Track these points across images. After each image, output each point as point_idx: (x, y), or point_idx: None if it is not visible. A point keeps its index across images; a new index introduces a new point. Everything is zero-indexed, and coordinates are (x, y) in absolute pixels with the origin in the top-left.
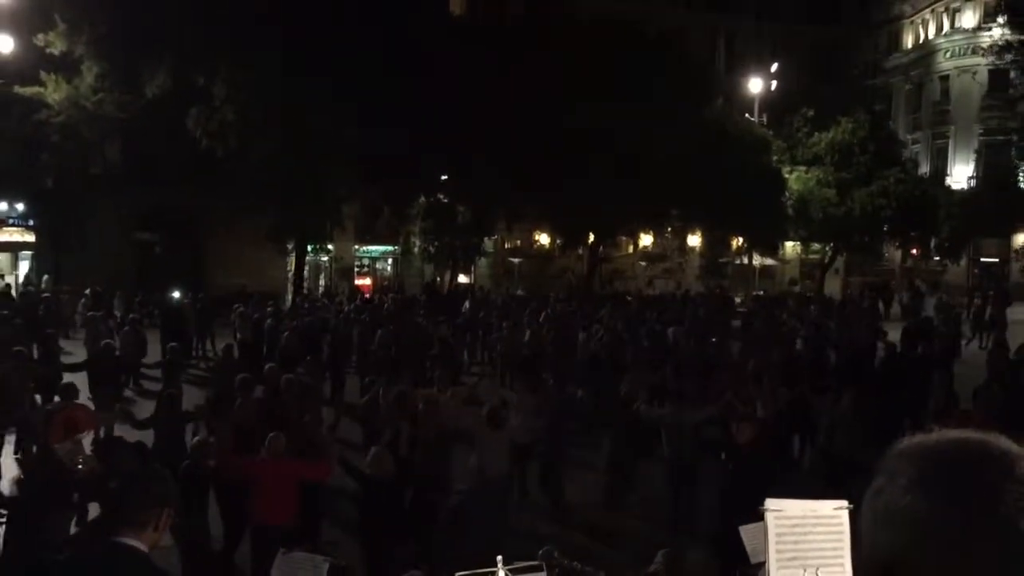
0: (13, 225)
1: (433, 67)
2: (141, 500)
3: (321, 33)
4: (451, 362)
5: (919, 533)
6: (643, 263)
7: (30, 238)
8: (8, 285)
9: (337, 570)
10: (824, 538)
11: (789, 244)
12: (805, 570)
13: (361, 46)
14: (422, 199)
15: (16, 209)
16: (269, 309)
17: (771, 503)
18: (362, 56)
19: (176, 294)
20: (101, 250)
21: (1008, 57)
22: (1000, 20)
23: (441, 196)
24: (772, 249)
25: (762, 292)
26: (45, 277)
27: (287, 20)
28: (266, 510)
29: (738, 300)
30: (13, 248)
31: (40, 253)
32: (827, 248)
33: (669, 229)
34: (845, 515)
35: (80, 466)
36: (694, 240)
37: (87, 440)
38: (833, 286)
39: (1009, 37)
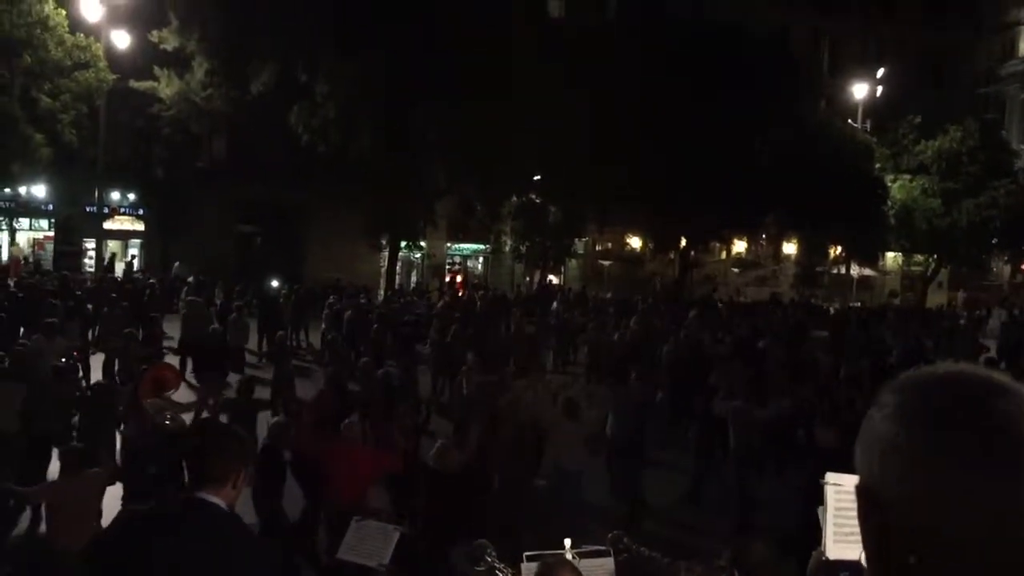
0: (124, 214)
1: (529, 66)
2: (221, 456)
3: (421, 32)
4: (534, 360)
5: (890, 456)
6: (736, 270)
7: (139, 227)
8: (106, 268)
9: (406, 539)
10: None
11: (890, 255)
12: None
13: (459, 47)
14: (514, 199)
15: (128, 198)
16: (363, 300)
17: (832, 477)
18: (460, 56)
19: (274, 284)
20: (205, 240)
21: None
22: None
23: (533, 196)
24: (871, 259)
25: (860, 303)
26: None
27: (388, 19)
28: (338, 492)
29: (832, 311)
30: (124, 236)
31: (148, 241)
32: (930, 260)
33: (764, 236)
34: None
35: (168, 422)
36: (790, 248)
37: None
38: (937, 300)
39: None
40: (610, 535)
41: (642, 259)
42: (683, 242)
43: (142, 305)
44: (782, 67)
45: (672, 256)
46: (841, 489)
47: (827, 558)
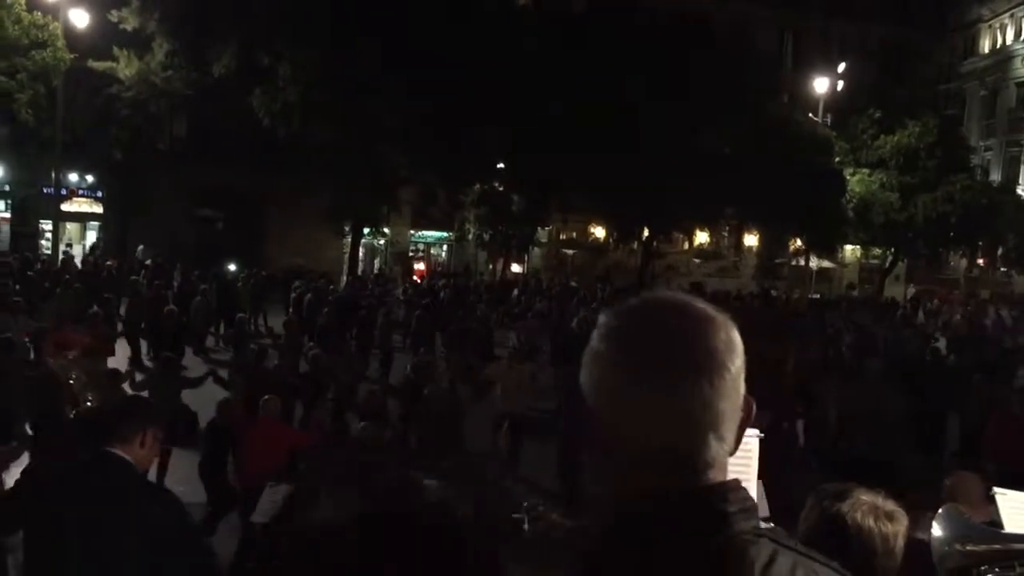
0: (83, 196)
1: (495, 52)
2: (127, 418)
3: (384, 18)
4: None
5: (592, 367)
6: (697, 260)
7: (98, 209)
8: (68, 253)
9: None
10: (732, 464)
11: (848, 247)
12: None
13: (424, 31)
14: (477, 186)
15: (86, 180)
16: (321, 282)
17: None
18: (424, 41)
19: (231, 268)
20: (164, 224)
21: None
22: None
23: (496, 184)
24: (830, 251)
25: (819, 295)
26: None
27: (351, 4)
28: (248, 464)
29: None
30: (82, 218)
31: (107, 224)
32: (888, 253)
33: (727, 227)
34: (755, 443)
35: (72, 380)
36: (751, 239)
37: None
38: (895, 292)
39: None
40: (525, 503)
41: (605, 248)
42: (645, 232)
43: (98, 286)
44: (745, 61)
45: (635, 246)
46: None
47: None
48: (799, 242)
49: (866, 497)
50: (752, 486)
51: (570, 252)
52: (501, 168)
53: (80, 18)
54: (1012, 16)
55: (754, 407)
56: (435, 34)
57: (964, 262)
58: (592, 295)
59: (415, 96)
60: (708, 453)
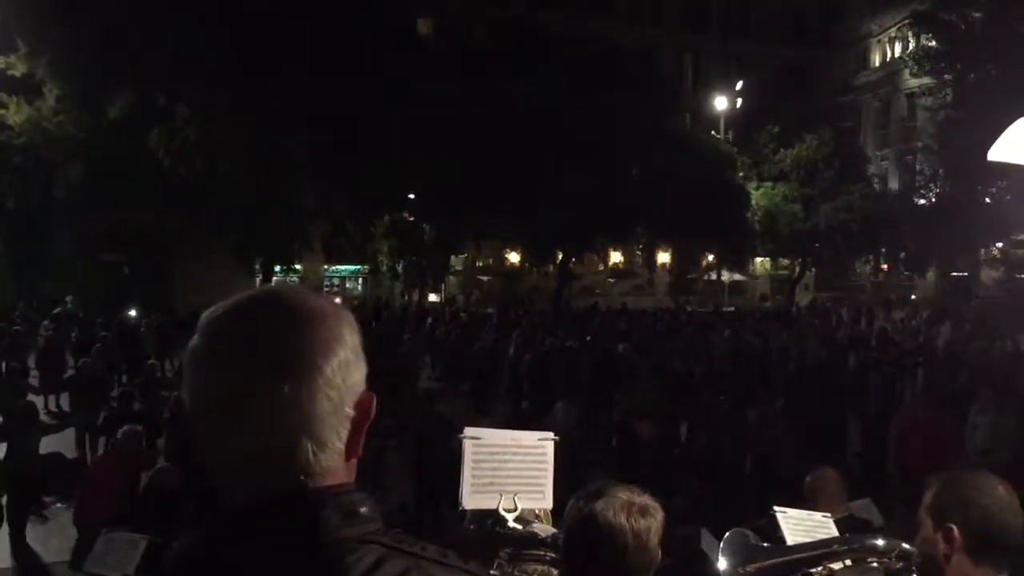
0: None
1: (399, 84)
2: None
3: (284, 53)
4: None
5: (185, 368)
6: (612, 280)
7: None
8: None
9: (155, 547)
10: (524, 467)
11: (759, 260)
12: (502, 495)
13: (327, 65)
14: (386, 217)
15: None
16: None
17: (469, 431)
18: (326, 74)
19: (132, 313)
20: (66, 272)
21: (927, 66)
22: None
23: (406, 214)
24: (740, 265)
25: (732, 308)
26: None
27: (249, 40)
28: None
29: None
30: None
31: (3, 276)
32: (796, 263)
33: (639, 246)
34: (550, 446)
35: None
36: (664, 257)
37: None
38: (804, 301)
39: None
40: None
41: (521, 273)
42: (560, 255)
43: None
44: (648, 82)
45: (551, 269)
46: (480, 443)
47: (463, 508)
48: (711, 257)
49: (621, 494)
50: (547, 489)
51: (486, 278)
52: (411, 198)
53: None
54: (899, 30)
55: (373, 407)
56: (336, 64)
57: (868, 268)
58: (507, 320)
59: (319, 129)
60: (303, 457)
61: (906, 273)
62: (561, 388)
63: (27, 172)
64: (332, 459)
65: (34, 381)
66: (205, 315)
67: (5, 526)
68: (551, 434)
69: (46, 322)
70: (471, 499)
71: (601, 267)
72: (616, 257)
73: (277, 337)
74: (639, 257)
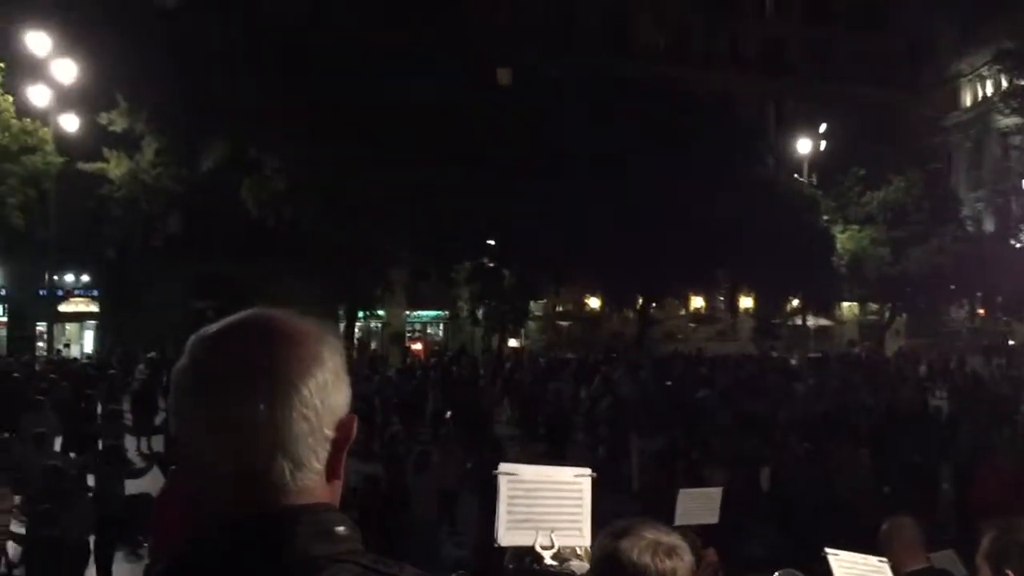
0: (79, 296)
1: (478, 132)
2: None
3: (366, 105)
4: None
5: (172, 387)
6: (693, 325)
7: (94, 308)
8: (60, 351)
9: None
10: (561, 503)
11: (846, 305)
12: (539, 532)
13: (407, 114)
14: (467, 263)
15: (81, 280)
16: None
17: (504, 467)
18: (407, 122)
19: None
20: (159, 319)
21: (1014, 104)
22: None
23: (486, 260)
24: (826, 310)
25: (819, 354)
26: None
27: (332, 93)
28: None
29: (793, 362)
30: (79, 318)
31: (103, 323)
32: (885, 308)
33: (722, 290)
34: (587, 483)
35: None
36: (747, 301)
37: None
38: (896, 347)
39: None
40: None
41: (601, 318)
42: (640, 300)
43: (83, 385)
44: (728, 126)
45: (631, 314)
46: (515, 479)
47: (499, 544)
48: (796, 302)
49: (648, 533)
50: (585, 526)
51: (566, 324)
52: (491, 244)
53: (70, 122)
54: (990, 70)
55: (354, 429)
56: (416, 114)
57: (963, 313)
58: (586, 365)
59: (403, 180)
60: (279, 477)
61: (1003, 318)
62: (638, 435)
63: (127, 223)
64: (310, 479)
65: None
66: (193, 337)
67: (93, 565)
68: (588, 470)
69: (141, 367)
70: (507, 535)
71: (683, 312)
72: (698, 302)
73: (255, 357)
74: (721, 302)
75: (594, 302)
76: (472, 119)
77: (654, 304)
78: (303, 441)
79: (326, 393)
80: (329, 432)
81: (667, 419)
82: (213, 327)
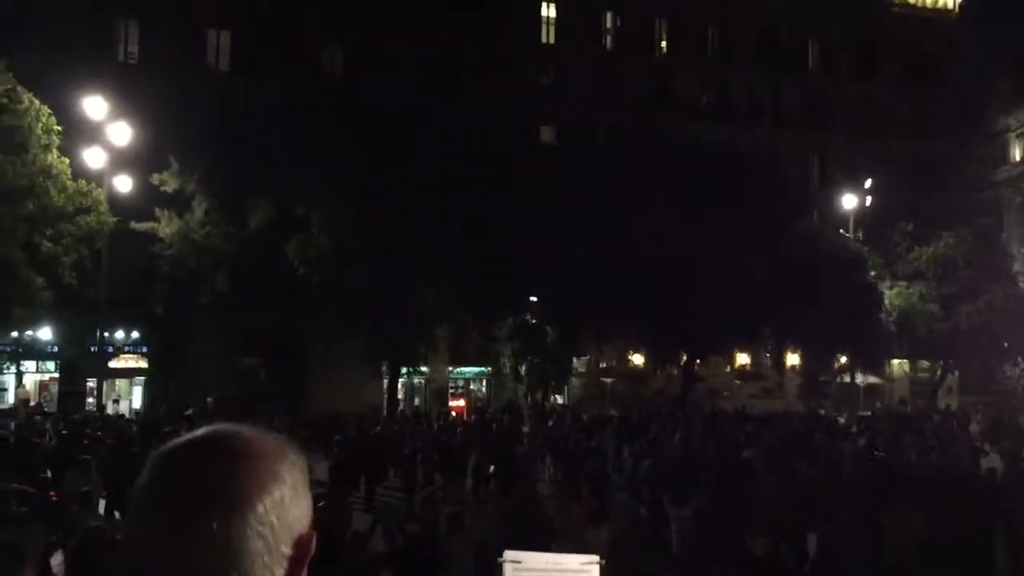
0: (128, 352)
1: (521, 190)
2: None
3: (410, 165)
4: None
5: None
6: (739, 382)
7: (144, 364)
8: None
9: None
10: None
11: (896, 362)
12: None
13: (451, 173)
14: (510, 320)
15: (131, 337)
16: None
17: (509, 554)
18: (450, 181)
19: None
20: (207, 374)
21: None
22: None
23: (529, 316)
24: (875, 367)
25: (868, 412)
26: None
27: (376, 153)
28: None
29: (841, 420)
30: (128, 374)
31: (152, 379)
32: (937, 366)
33: (767, 347)
34: (595, 571)
35: None
36: (794, 358)
37: None
38: (948, 406)
39: None
40: None
41: (646, 375)
42: (684, 357)
43: (128, 443)
44: (773, 182)
45: (675, 371)
46: (521, 566)
47: None
48: (844, 359)
49: None
50: None
51: (609, 380)
52: (533, 301)
53: (123, 183)
54: None
55: (312, 545)
56: (459, 172)
57: (1018, 371)
58: (628, 422)
59: (443, 235)
60: None
61: None
62: (681, 496)
63: (175, 280)
64: None
65: None
66: (153, 454)
67: None
68: (596, 557)
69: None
70: None
71: (728, 368)
72: (743, 358)
73: (210, 475)
74: (767, 358)
75: (638, 358)
76: (515, 175)
77: (698, 361)
78: (258, 559)
79: (283, 509)
80: (286, 549)
81: (710, 479)
82: (174, 443)
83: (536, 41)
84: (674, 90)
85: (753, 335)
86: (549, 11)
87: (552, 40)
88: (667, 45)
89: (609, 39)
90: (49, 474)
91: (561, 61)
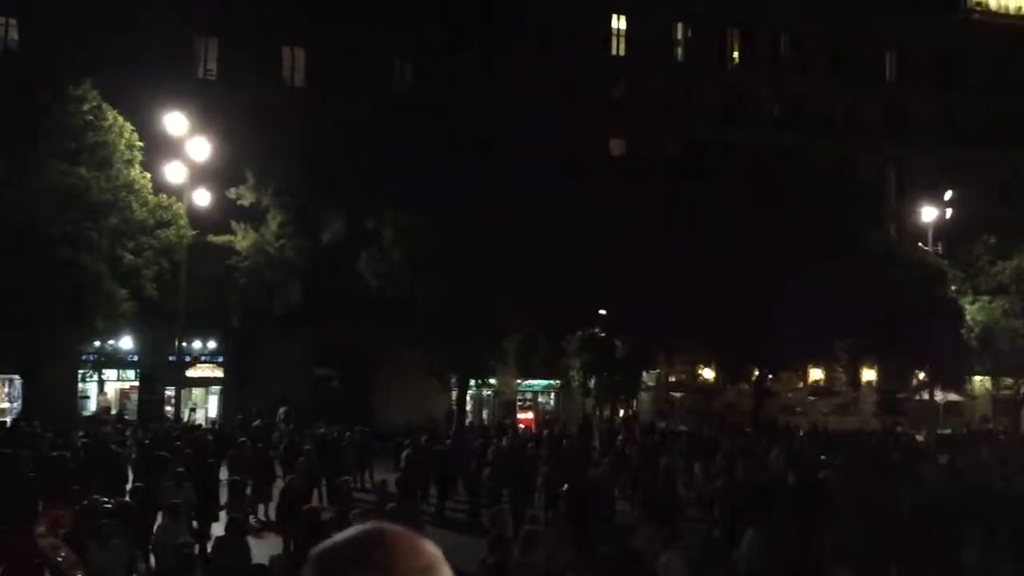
0: (205, 362)
1: (590, 204)
2: None
3: (485, 181)
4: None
5: None
6: (812, 398)
7: (220, 373)
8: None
9: None
10: None
11: (977, 379)
12: None
13: (521, 186)
14: (578, 333)
15: (208, 346)
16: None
17: None
18: (522, 194)
19: (323, 429)
20: (280, 384)
21: None
22: None
23: (598, 330)
24: (956, 384)
25: (948, 431)
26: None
27: (445, 169)
28: None
29: (920, 439)
30: (205, 383)
31: (227, 388)
32: (1021, 383)
33: (842, 363)
34: None
35: (60, 559)
36: (870, 374)
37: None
38: None
39: None
40: None
41: (716, 390)
42: (756, 372)
43: (205, 454)
44: (848, 194)
45: (747, 386)
46: None
47: None
48: (922, 375)
49: None
50: None
51: (679, 395)
52: (602, 314)
53: (202, 197)
54: None
55: None
56: (530, 185)
57: None
58: (699, 440)
59: (517, 251)
60: None
61: None
62: (755, 518)
63: (251, 292)
64: None
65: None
66: (314, 550)
67: None
68: None
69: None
70: None
71: (800, 384)
72: (817, 374)
73: (374, 570)
74: (841, 374)
75: (708, 372)
76: (585, 187)
77: (771, 376)
78: None
79: None
80: None
81: (785, 502)
82: (336, 539)
83: (606, 53)
84: (746, 101)
85: (828, 349)
86: (619, 23)
87: (622, 52)
88: (739, 55)
89: (680, 50)
90: (138, 484)
91: (631, 73)
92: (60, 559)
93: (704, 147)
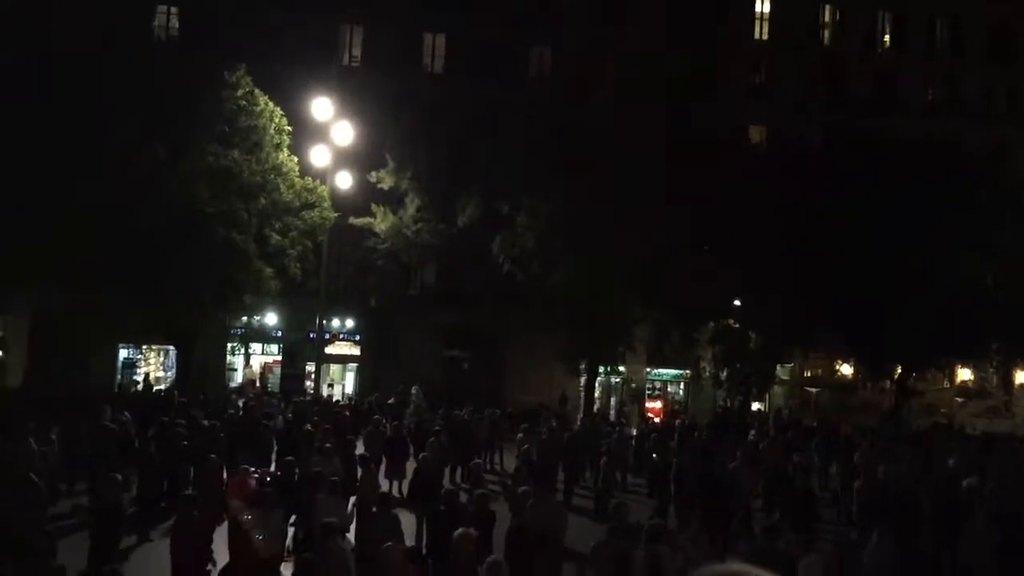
0: (343, 339)
1: (728, 193)
2: None
3: (616, 161)
4: None
5: None
6: (960, 399)
7: (356, 351)
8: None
9: None
10: None
11: None
12: None
13: (649, 173)
14: (711, 324)
15: (346, 325)
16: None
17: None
18: (652, 184)
19: (456, 411)
20: (414, 363)
21: None
22: None
23: (731, 321)
24: None
25: None
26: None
27: (579, 156)
28: None
29: None
30: (342, 360)
31: (363, 366)
32: None
33: (993, 363)
34: None
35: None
36: None
37: None
38: None
39: None
40: None
41: (854, 386)
42: (899, 369)
43: (343, 427)
44: (1002, 186)
45: (888, 384)
46: None
47: None
48: None
49: None
50: None
51: (814, 390)
52: (737, 305)
53: (344, 180)
54: None
55: None
56: (662, 177)
57: None
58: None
59: (651, 239)
60: None
61: None
62: (895, 523)
63: (388, 273)
64: None
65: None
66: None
67: None
68: None
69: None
70: None
71: (946, 384)
72: (965, 374)
73: None
74: (992, 374)
75: (846, 368)
76: (724, 179)
77: (914, 374)
78: None
79: None
80: None
81: (929, 509)
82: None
83: (749, 38)
84: (898, 88)
85: (979, 348)
86: (763, 6)
87: (766, 36)
88: (890, 40)
89: (827, 34)
90: (288, 458)
91: (775, 58)
92: (246, 518)
93: (851, 135)
